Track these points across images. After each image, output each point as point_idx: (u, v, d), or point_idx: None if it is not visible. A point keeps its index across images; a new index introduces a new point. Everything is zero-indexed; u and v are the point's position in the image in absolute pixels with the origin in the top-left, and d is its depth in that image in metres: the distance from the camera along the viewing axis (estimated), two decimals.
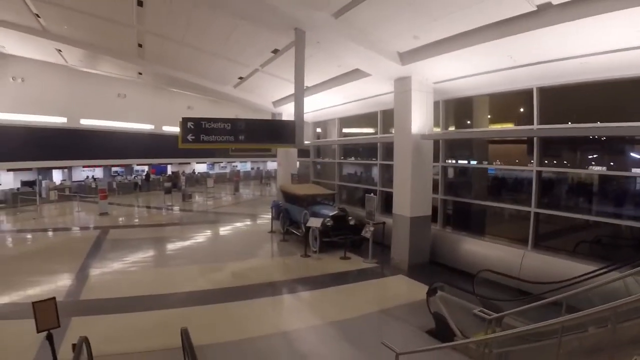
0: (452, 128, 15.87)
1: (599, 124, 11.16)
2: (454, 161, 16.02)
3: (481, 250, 13.40)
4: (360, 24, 11.24)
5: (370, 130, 20.34)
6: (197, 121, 9.96)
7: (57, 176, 38.02)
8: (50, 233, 21.00)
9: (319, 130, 26.70)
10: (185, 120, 9.83)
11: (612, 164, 11.41)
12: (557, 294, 6.80)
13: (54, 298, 5.53)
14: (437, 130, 15.49)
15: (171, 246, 18.52)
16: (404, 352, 6.45)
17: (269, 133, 10.81)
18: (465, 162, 15.77)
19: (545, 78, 11.76)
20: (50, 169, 36.42)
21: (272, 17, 11.09)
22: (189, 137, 9.84)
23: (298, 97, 11.35)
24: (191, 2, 13.07)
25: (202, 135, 9.94)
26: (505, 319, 7.51)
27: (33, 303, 5.39)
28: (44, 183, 34.35)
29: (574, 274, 8.71)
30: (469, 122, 15.32)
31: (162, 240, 19.53)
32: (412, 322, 9.73)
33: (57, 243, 18.90)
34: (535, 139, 12.28)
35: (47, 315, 5.34)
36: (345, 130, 23.55)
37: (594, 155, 11.98)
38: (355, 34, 11.53)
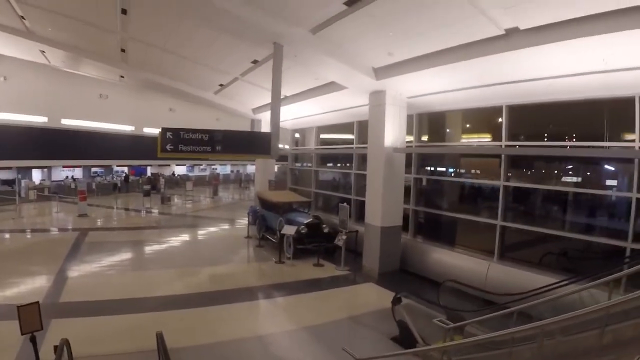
0: (425, 137, 16.47)
1: (568, 142, 11.92)
2: (428, 169, 16.51)
3: (449, 260, 13.91)
4: (337, 40, 11.71)
5: (349, 136, 20.76)
6: (176, 131, 10.33)
7: (36, 175, 37.92)
8: (29, 234, 21.17)
9: (297, 135, 27.15)
10: (164, 130, 10.18)
11: (579, 179, 11.95)
12: (518, 305, 7.25)
13: (37, 302, 5.89)
14: (411, 138, 16.14)
15: (149, 250, 18.75)
16: (363, 359, 6.87)
17: (246, 144, 11.20)
18: (438, 174, 16.23)
19: (515, 97, 12.38)
20: (29, 168, 36.32)
21: (253, 31, 11.61)
22: (168, 147, 10.20)
23: (274, 110, 11.76)
24: (175, 15, 13.44)
25: (180, 145, 10.31)
26: (467, 328, 7.99)
27: (18, 307, 5.74)
28: (23, 182, 34.21)
29: (535, 286, 9.22)
30: (442, 134, 15.88)
31: (140, 244, 19.69)
32: (378, 329, 10.16)
33: (36, 244, 19.02)
34: (502, 155, 12.85)
35: (30, 318, 5.70)
36: (324, 135, 24.01)
37: (562, 170, 12.46)
38: (331, 49, 12.01)
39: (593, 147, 11.12)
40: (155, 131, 42.37)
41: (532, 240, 12.47)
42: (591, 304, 6.87)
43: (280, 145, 27.74)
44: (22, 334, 5.73)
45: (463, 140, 15.33)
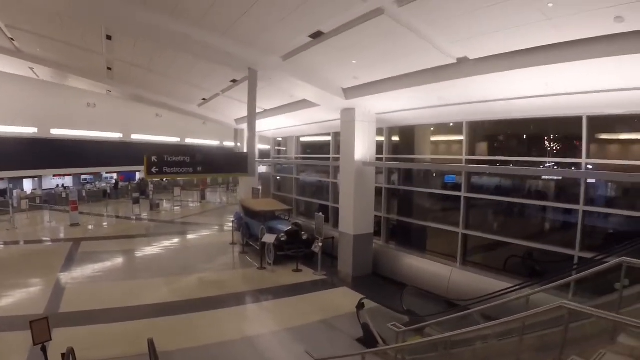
0: (396, 138, 17.58)
1: (525, 158, 12.90)
2: (397, 180, 17.42)
3: (417, 265, 14.96)
4: (307, 65, 12.72)
5: (328, 138, 21.61)
6: (160, 155, 11.22)
7: (27, 185, 38.41)
8: (24, 245, 21.90)
9: (280, 138, 28.06)
10: (149, 155, 11.09)
11: (534, 190, 12.95)
12: (475, 307, 8.27)
13: (47, 317, 6.95)
14: (381, 139, 17.19)
15: (139, 259, 19.76)
16: (322, 359, 7.90)
17: (225, 164, 12.13)
18: (408, 183, 17.02)
19: (474, 114, 13.50)
20: (21, 178, 36.84)
21: (229, 59, 12.66)
22: (154, 170, 11.10)
23: (251, 133, 12.71)
24: (154, 45, 14.44)
25: (164, 167, 11.20)
26: (427, 329, 9.02)
27: (30, 322, 6.80)
28: (14, 192, 34.66)
29: (493, 289, 10.16)
30: (411, 146, 16.91)
31: (131, 253, 20.60)
32: (347, 331, 11.25)
33: (33, 255, 19.78)
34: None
35: (41, 331, 6.74)
36: (304, 139, 25.01)
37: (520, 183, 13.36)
38: (302, 73, 13.06)
39: (544, 163, 12.21)
40: (143, 137, 43.19)
41: (493, 246, 13.40)
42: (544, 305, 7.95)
43: (264, 146, 28.74)
44: (35, 345, 6.77)
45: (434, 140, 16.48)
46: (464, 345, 7.76)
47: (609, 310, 6.04)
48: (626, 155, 11.00)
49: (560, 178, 12.09)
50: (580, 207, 10.82)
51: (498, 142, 14.47)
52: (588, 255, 10.11)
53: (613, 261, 6.27)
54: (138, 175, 48.01)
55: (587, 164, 10.87)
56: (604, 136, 11.32)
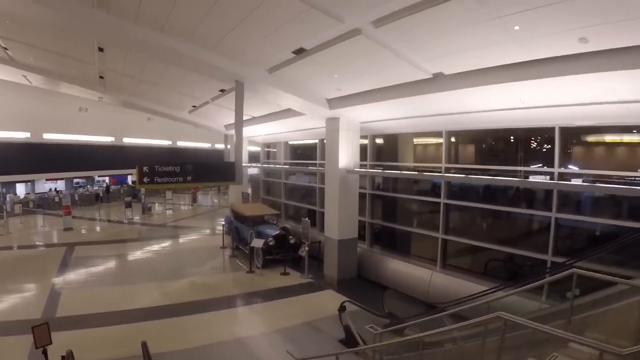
0: (380, 140, 18.15)
1: (500, 167, 13.57)
2: (381, 185, 17.99)
3: (400, 268, 15.51)
4: (292, 78, 13.32)
5: (314, 141, 22.29)
6: (151, 165, 11.71)
7: (20, 189, 38.38)
8: (20, 250, 22.26)
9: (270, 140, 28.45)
10: (141, 166, 11.56)
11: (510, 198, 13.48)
12: (452, 309, 8.70)
13: (47, 323, 7.43)
14: (366, 141, 17.77)
15: (132, 263, 20.24)
16: (302, 358, 8.42)
17: (213, 173, 12.61)
18: (392, 189, 17.57)
19: (454, 125, 14.17)
20: (14, 182, 36.94)
21: (217, 72, 13.21)
22: (145, 180, 11.58)
23: (238, 142, 13.21)
24: (145, 57, 14.94)
25: (155, 177, 11.68)
26: (406, 331, 9.52)
27: (32, 327, 7.28)
28: (7, 197, 34.86)
29: (471, 291, 10.65)
30: (395, 154, 17.52)
31: (124, 257, 21.03)
32: (330, 332, 11.76)
33: (28, 260, 20.15)
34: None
35: (42, 335, 7.24)
36: (293, 142, 25.54)
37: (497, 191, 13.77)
38: (287, 85, 13.65)
39: (519, 172, 12.73)
40: (135, 141, 43.51)
41: (475, 249, 13.84)
42: (516, 308, 8.46)
43: (255, 148, 29.09)
44: (37, 348, 7.23)
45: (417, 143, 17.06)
46: (436, 346, 8.28)
47: (562, 317, 6.61)
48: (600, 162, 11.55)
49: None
50: (553, 214, 11.37)
51: (482, 147, 15.00)
52: (560, 259, 10.67)
53: (565, 272, 6.75)
54: (130, 179, 48.07)
55: (559, 173, 11.43)
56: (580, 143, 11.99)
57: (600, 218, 10.79)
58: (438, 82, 10.91)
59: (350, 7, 8.55)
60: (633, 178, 10.39)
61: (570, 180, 11.36)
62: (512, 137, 13.59)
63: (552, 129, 11.56)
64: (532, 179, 12.60)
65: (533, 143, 12.99)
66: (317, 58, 11.20)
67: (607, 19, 6.74)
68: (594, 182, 10.82)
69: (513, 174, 12.77)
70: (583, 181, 11.12)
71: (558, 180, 11.35)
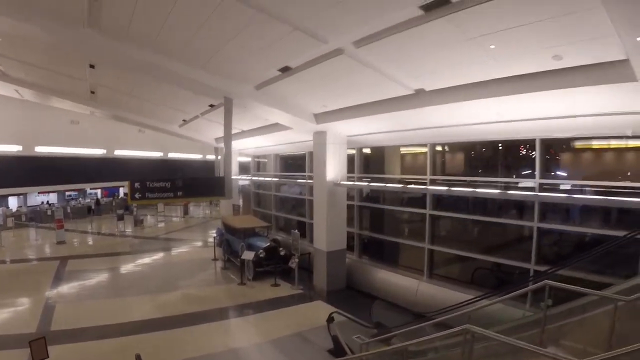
0: (368, 150, 18.41)
1: (485, 178, 13.90)
2: (370, 196, 18.28)
3: (388, 278, 15.84)
4: (279, 94, 13.65)
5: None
6: (143, 181, 12.00)
7: (12, 202, 38.57)
8: (13, 264, 22.34)
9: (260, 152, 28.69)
10: (132, 182, 11.85)
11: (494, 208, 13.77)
12: (438, 317, 9.12)
13: (44, 337, 7.75)
14: (353, 151, 18.12)
15: (125, 276, 20.31)
16: None
17: (203, 188, 12.93)
18: (380, 201, 17.99)
19: (438, 138, 14.65)
20: (6, 195, 37.07)
21: (206, 89, 13.56)
22: (137, 195, 11.87)
23: (227, 157, 13.49)
24: (135, 75, 15.27)
25: (147, 193, 11.98)
26: (393, 340, 9.77)
27: (30, 342, 7.59)
28: (0, 210, 34.87)
29: (457, 300, 10.97)
30: (382, 166, 17.84)
31: (116, 270, 21.13)
32: (319, 343, 12.01)
33: (22, 274, 20.22)
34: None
35: (39, 349, 7.53)
36: (284, 153, 25.71)
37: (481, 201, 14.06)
38: (274, 101, 13.99)
39: (500, 183, 13.10)
40: (126, 153, 43.52)
41: (463, 258, 14.16)
42: (501, 316, 8.74)
43: (246, 158, 29.26)
44: None
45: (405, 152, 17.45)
46: (421, 355, 8.54)
47: (536, 326, 6.89)
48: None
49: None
50: (535, 224, 11.74)
51: (471, 155, 15.40)
52: (543, 268, 11.01)
53: (538, 283, 7.05)
54: (122, 191, 47.96)
55: (540, 184, 11.80)
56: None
57: (581, 227, 11.23)
58: (420, 97, 11.29)
59: (332, 29, 8.89)
60: (612, 188, 10.66)
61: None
62: (500, 145, 13.93)
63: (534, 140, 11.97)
64: (521, 184, 12.97)
65: (523, 150, 13.32)
66: (302, 76, 11.53)
67: (577, 37, 7.14)
68: (573, 191, 11.24)
69: (495, 185, 13.09)
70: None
71: (538, 192, 11.70)
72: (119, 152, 43.69)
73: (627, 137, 10.55)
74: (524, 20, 6.98)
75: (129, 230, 33.09)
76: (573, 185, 11.69)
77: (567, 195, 11.23)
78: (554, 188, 11.80)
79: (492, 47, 8.10)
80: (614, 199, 9.74)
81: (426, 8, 7.33)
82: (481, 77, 9.58)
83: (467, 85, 10.06)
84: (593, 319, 6.93)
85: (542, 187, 11.80)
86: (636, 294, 5.96)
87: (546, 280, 6.90)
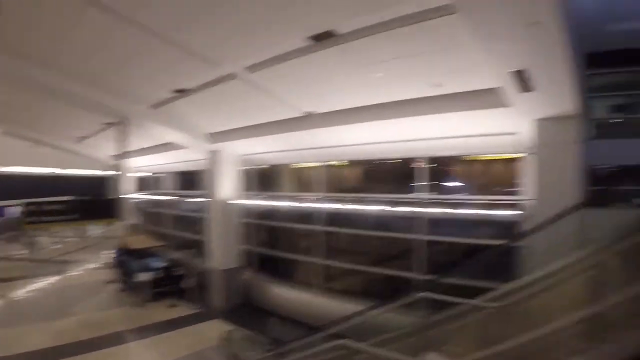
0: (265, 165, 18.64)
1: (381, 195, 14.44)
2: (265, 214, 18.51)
3: (284, 294, 16.27)
4: (175, 114, 13.94)
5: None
6: (39, 204, 11.71)
7: None
8: None
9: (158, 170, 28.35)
10: (27, 204, 11.54)
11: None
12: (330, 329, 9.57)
13: None
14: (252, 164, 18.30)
15: (17, 304, 18.70)
16: None
17: (98, 210, 12.82)
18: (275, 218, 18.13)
19: (330, 156, 15.31)
20: None
21: (101, 108, 13.44)
22: (32, 220, 11.61)
23: (122, 178, 13.45)
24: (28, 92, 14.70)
25: (42, 216, 11.74)
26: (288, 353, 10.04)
27: None
28: None
29: (348, 312, 11.14)
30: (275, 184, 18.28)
31: (7, 298, 19.48)
32: None
33: None
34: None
35: None
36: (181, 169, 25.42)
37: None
38: (170, 121, 14.29)
39: (390, 199, 13.65)
40: (17, 169, 41.16)
41: (356, 272, 14.72)
42: (395, 324, 9.15)
43: (147, 173, 28.67)
44: None
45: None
46: None
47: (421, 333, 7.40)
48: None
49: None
50: (424, 237, 12.68)
51: (369, 168, 15.61)
52: (432, 277, 11.88)
53: (419, 295, 7.58)
54: (14, 211, 45.09)
55: (429, 199, 12.73)
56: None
57: (465, 238, 12.05)
58: (310, 119, 12.06)
59: (224, 55, 9.37)
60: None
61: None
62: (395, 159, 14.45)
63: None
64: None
65: (415, 164, 13.70)
66: (198, 97, 11.88)
67: (454, 68, 8.05)
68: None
69: (385, 201, 13.68)
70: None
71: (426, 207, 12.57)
72: (9, 169, 41.24)
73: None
74: (403, 53, 7.67)
75: (22, 252, 31.28)
76: (457, 199, 12.53)
77: (443, 210, 12.22)
78: (441, 202, 12.57)
79: (380, 75, 8.75)
80: (487, 213, 10.87)
81: (315, 38, 7.83)
82: (367, 101, 10.46)
83: (354, 108, 10.95)
84: (470, 324, 7.53)
85: (429, 202, 12.68)
86: (503, 301, 6.57)
87: (426, 292, 7.42)
